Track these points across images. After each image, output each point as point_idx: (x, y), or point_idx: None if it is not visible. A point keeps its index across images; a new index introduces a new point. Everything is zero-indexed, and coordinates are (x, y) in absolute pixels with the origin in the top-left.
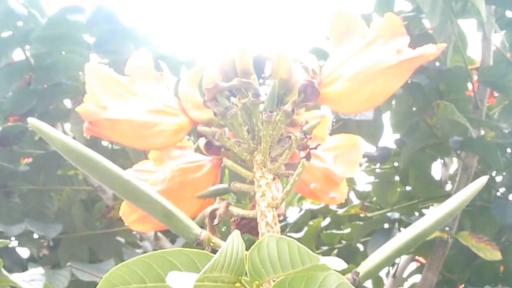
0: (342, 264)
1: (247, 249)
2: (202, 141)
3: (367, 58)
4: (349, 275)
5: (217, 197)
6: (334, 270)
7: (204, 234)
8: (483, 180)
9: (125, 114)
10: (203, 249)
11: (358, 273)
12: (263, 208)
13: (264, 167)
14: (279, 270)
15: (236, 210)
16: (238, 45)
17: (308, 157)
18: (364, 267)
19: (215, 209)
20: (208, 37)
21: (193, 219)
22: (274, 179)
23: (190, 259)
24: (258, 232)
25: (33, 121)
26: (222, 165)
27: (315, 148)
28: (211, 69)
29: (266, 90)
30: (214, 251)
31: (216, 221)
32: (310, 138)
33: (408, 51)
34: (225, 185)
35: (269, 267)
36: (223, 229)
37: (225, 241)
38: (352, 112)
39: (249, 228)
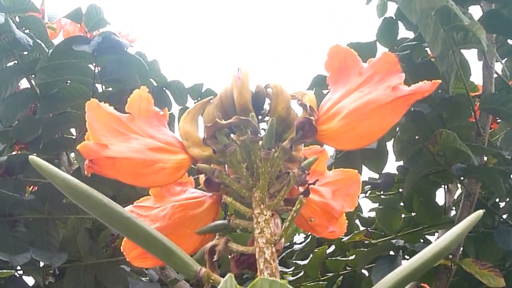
0: None
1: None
2: (202, 178)
3: (363, 95)
4: None
5: (217, 233)
6: None
7: (203, 271)
8: (479, 213)
9: (125, 152)
10: (203, 286)
11: None
12: (261, 245)
13: (263, 204)
14: None
15: (235, 247)
16: (237, 83)
17: (306, 192)
18: None
19: (215, 245)
20: (212, 65)
21: (192, 255)
22: (272, 215)
23: None
24: (257, 268)
25: (34, 159)
26: (222, 201)
27: (314, 183)
28: (210, 106)
29: (264, 126)
30: (213, 287)
31: (215, 257)
32: (308, 174)
33: (403, 88)
34: (224, 222)
35: None
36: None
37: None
38: (349, 149)
39: (248, 264)
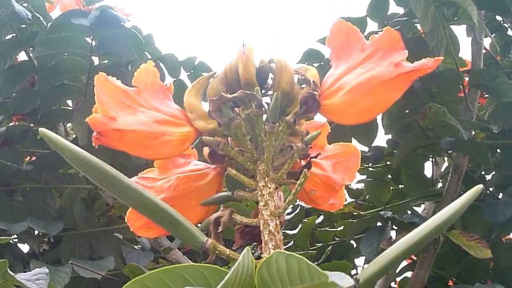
0: (349, 281)
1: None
2: (206, 150)
3: (366, 71)
4: None
5: (221, 205)
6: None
7: (209, 242)
8: (478, 188)
9: (133, 125)
10: (209, 256)
11: (359, 280)
12: (266, 217)
13: (267, 177)
14: (288, 285)
15: (239, 218)
16: (242, 57)
17: (308, 166)
18: (364, 275)
19: (219, 217)
20: (209, 38)
21: (197, 226)
22: (276, 188)
23: (201, 274)
24: (261, 240)
25: (44, 131)
26: (226, 173)
27: (316, 157)
28: (215, 80)
29: (268, 100)
30: (218, 258)
31: (220, 229)
32: (311, 147)
33: (406, 64)
34: (228, 193)
35: (278, 282)
36: None
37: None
38: (351, 123)
39: (252, 235)
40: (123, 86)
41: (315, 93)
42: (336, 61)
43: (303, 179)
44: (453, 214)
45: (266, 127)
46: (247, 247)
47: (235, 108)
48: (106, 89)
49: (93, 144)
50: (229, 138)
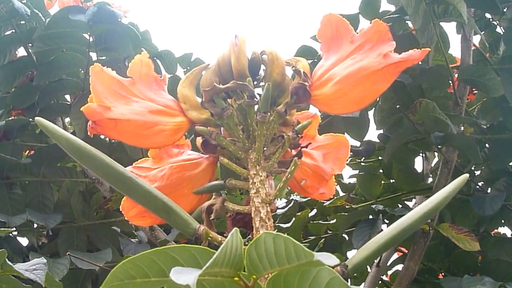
0: (334, 260)
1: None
2: (199, 140)
3: (355, 62)
4: (338, 268)
5: (213, 193)
6: (327, 265)
7: (202, 228)
8: (465, 177)
9: (127, 114)
10: (201, 243)
11: (347, 266)
12: (257, 204)
13: (258, 165)
14: (275, 265)
15: (231, 206)
16: (234, 49)
17: (299, 155)
18: (353, 260)
19: (212, 205)
20: (203, 34)
21: (190, 214)
22: (267, 176)
23: (191, 255)
24: (252, 227)
25: (40, 120)
26: (218, 162)
27: (306, 146)
28: (208, 71)
29: (259, 91)
30: (211, 244)
31: (212, 216)
32: (302, 137)
33: (394, 55)
34: (221, 182)
35: (266, 262)
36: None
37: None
38: (341, 113)
39: (243, 222)
40: (118, 77)
41: (306, 83)
42: (326, 53)
43: (293, 167)
44: (440, 202)
45: (257, 117)
46: (235, 228)
47: (228, 99)
48: (101, 79)
49: (88, 133)
50: (221, 128)
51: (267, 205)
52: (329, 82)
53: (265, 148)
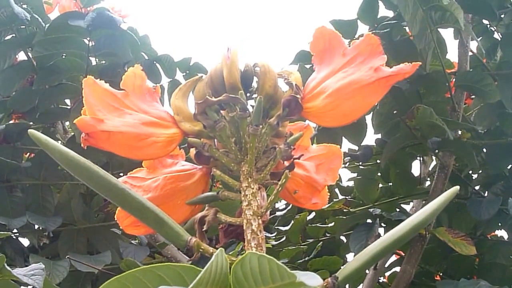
0: (318, 281)
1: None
2: (192, 152)
3: (347, 75)
4: (329, 280)
5: (206, 204)
6: (310, 286)
7: (193, 240)
8: (455, 189)
9: (120, 126)
10: (193, 255)
11: (337, 277)
12: (248, 217)
13: (250, 178)
14: (261, 284)
15: (223, 217)
16: (227, 62)
17: (291, 167)
18: (343, 272)
19: (204, 216)
20: (201, 38)
21: (182, 224)
22: (259, 188)
23: (177, 274)
24: (244, 238)
25: (33, 133)
26: (211, 173)
27: (298, 158)
28: (201, 83)
29: (252, 103)
30: (203, 257)
31: (205, 228)
32: (294, 149)
33: (385, 69)
34: (214, 193)
35: (252, 280)
36: None
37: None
38: (333, 126)
39: (236, 234)
40: (111, 89)
41: (298, 96)
42: (319, 65)
43: (284, 180)
44: (430, 214)
45: (249, 129)
46: (220, 248)
47: (221, 111)
48: (94, 92)
49: (82, 146)
50: (214, 139)
51: (259, 217)
52: (321, 95)
53: (257, 160)
